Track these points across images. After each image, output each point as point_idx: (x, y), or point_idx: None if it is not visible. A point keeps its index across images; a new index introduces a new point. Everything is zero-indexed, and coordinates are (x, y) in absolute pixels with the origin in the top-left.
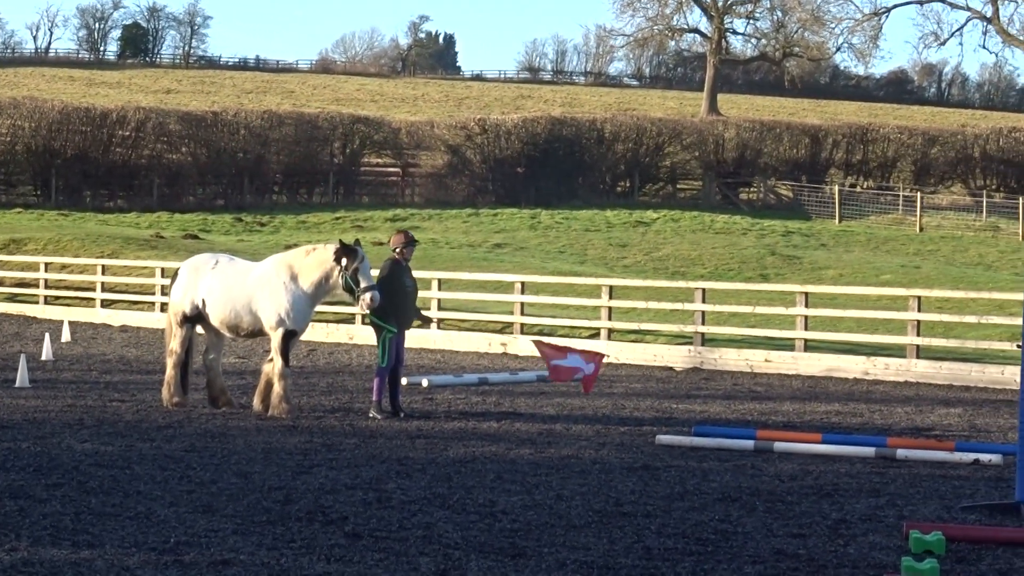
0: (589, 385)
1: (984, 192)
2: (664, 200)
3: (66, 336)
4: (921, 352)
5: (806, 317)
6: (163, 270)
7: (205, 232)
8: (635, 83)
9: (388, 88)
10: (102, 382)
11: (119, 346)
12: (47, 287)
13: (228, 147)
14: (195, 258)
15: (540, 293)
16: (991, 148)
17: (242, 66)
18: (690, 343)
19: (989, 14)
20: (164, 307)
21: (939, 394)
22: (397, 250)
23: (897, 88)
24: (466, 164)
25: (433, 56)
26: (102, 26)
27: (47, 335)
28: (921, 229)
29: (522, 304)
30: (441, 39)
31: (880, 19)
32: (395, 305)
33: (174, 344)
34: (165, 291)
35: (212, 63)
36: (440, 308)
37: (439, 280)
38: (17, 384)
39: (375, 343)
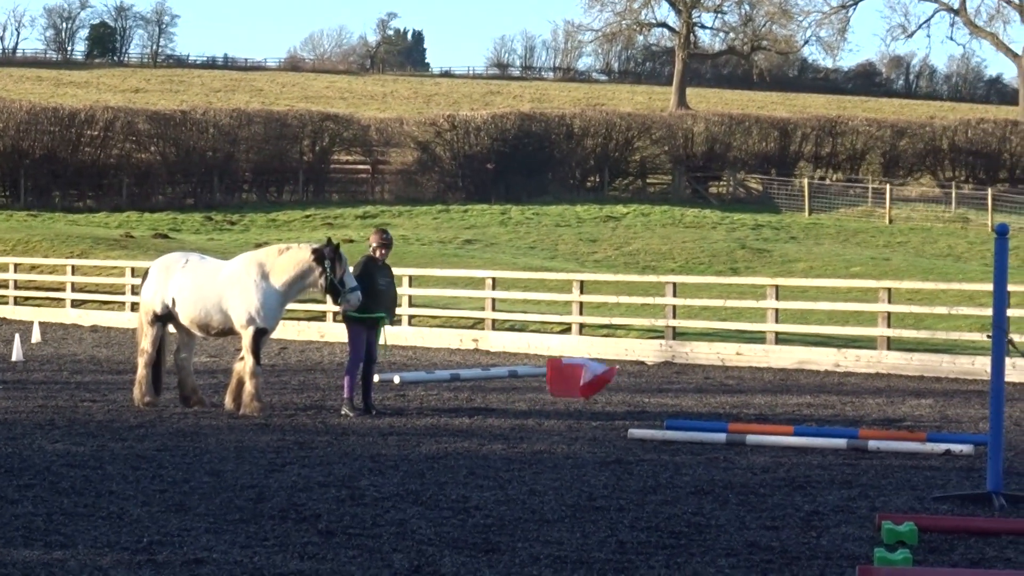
0: (588, 389)
1: (953, 183)
2: (634, 195)
3: (36, 337)
4: (892, 344)
5: (777, 310)
6: (133, 270)
7: (175, 231)
8: (604, 78)
9: (357, 85)
10: (73, 382)
11: (90, 346)
12: (17, 288)
13: (197, 146)
14: (165, 257)
15: (511, 289)
16: (959, 139)
17: (210, 64)
18: (661, 337)
19: (956, 6)
20: (135, 307)
21: (910, 385)
22: (372, 248)
23: (865, 80)
24: (436, 161)
25: (402, 53)
26: (69, 26)
27: (17, 336)
28: (891, 221)
29: (493, 300)
30: (410, 36)
31: (847, 12)
32: (366, 304)
33: (145, 343)
34: (135, 291)
35: (180, 62)
36: (411, 305)
37: (410, 277)
38: None
39: (346, 341)
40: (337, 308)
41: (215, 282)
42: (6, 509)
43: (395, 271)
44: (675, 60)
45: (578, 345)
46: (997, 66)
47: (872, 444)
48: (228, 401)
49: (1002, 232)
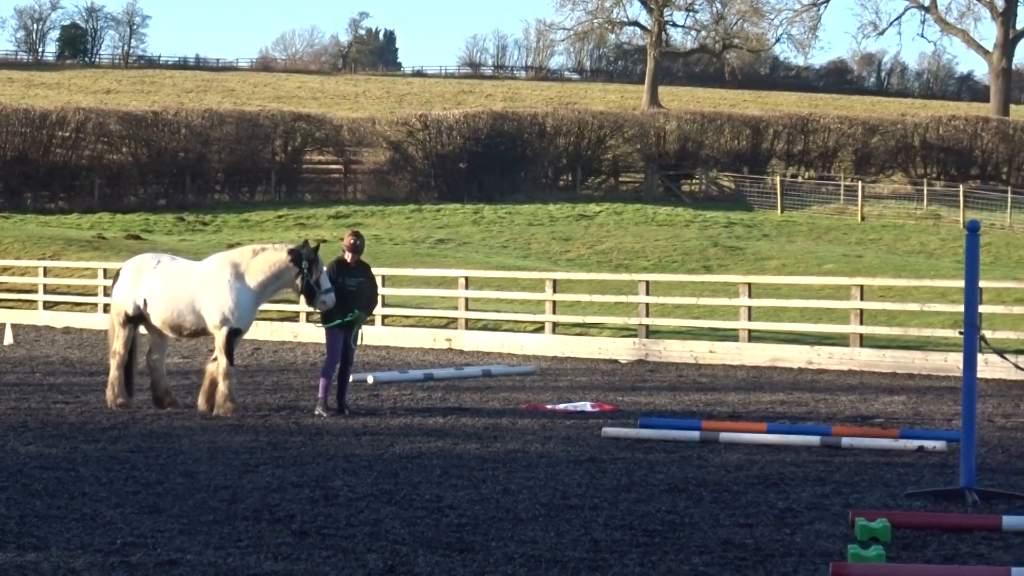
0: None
1: (925, 180)
2: (607, 193)
3: (8, 339)
4: (864, 340)
5: (750, 308)
6: (105, 271)
7: (147, 232)
8: (576, 77)
9: (329, 85)
10: (45, 384)
11: (62, 348)
12: None
13: (169, 147)
14: (137, 258)
15: (484, 288)
16: (931, 136)
17: (182, 65)
18: (634, 335)
19: (927, 3)
20: (107, 308)
21: (883, 382)
22: (343, 251)
23: (837, 78)
24: (408, 160)
25: (374, 53)
26: (40, 27)
27: None
28: (863, 218)
29: (466, 299)
30: (381, 36)
31: (819, 9)
32: (336, 307)
33: (117, 345)
34: (108, 292)
35: (152, 63)
36: (384, 304)
37: (383, 276)
38: None
39: (321, 341)
40: (310, 309)
41: (187, 283)
42: None
43: None
44: (647, 59)
45: (551, 344)
46: (968, 63)
47: (845, 441)
48: (201, 402)
49: (973, 229)
